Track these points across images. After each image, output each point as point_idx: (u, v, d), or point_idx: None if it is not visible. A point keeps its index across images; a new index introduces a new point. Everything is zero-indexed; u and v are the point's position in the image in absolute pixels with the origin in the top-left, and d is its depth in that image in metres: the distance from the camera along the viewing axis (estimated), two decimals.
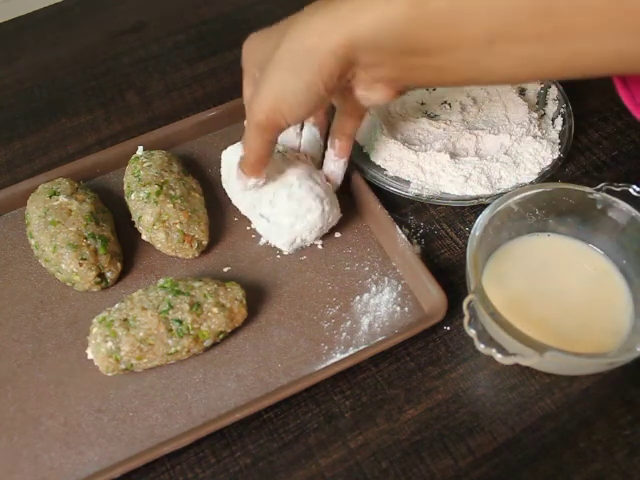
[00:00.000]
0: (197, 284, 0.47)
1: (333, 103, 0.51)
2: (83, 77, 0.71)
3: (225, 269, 0.53)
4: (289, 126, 0.44)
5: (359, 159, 0.57)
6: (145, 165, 0.54)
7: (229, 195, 0.56)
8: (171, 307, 0.46)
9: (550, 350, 0.40)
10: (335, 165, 0.53)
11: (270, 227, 0.51)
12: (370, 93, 0.43)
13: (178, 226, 0.51)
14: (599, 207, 0.47)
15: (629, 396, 0.46)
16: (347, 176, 0.56)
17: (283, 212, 0.50)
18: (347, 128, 0.51)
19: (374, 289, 0.51)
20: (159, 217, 0.51)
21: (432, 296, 0.48)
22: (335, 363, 0.46)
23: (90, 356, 0.46)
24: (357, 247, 0.53)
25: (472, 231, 0.46)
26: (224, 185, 0.56)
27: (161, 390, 0.47)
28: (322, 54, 0.39)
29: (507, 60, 0.36)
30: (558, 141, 0.57)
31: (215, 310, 0.46)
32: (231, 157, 0.55)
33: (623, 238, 0.47)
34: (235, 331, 0.49)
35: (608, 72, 0.37)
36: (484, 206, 0.48)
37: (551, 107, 0.60)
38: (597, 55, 0.34)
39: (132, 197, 0.53)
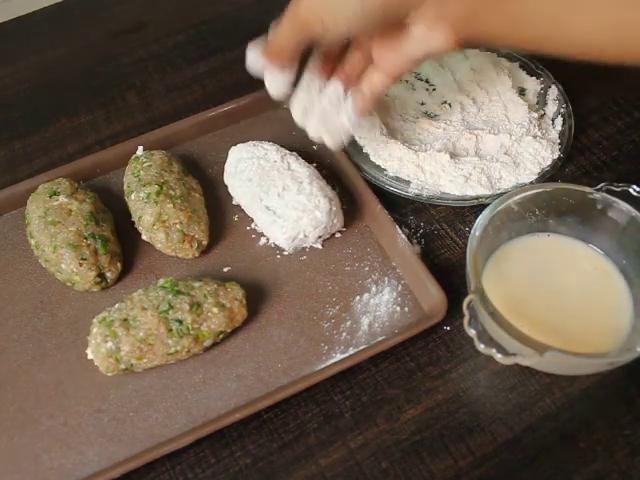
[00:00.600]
0: (197, 284, 0.47)
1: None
2: (83, 77, 0.71)
3: (225, 269, 0.53)
4: (324, 38, 0.41)
5: (359, 159, 0.57)
6: (145, 165, 0.54)
7: (230, 191, 0.56)
8: (171, 307, 0.46)
9: (550, 350, 0.40)
10: (348, 120, 0.49)
11: (274, 220, 0.51)
12: (430, 34, 0.40)
13: (178, 226, 0.51)
14: (599, 207, 0.47)
15: (629, 396, 0.46)
16: (347, 177, 0.56)
17: (291, 204, 0.50)
18: (376, 83, 0.47)
19: (374, 289, 0.51)
20: (159, 217, 0.51)
21: (432, 296, 0.48)
22: (335, 363, 0.46)
23: (90, 356, 0.46)
24: (357, 247, 0.53)
25: (472, 231, 0.46)
26: (226, 181, 0.56)
27: (161, 390, 0.47)
28: None
29: (588, 19, 0.34)
30: (558, 141, 0.57)
31: (215, 310, 0.46)
32: (239, 154, 0.55)
33: (623, 238, 0.47)
34: (235, 331, 0.49)
35: None
36: (484, 206, 0.48)
37: (551, 107, 0.60)
38: None
39: (132, 197, 0.53)
